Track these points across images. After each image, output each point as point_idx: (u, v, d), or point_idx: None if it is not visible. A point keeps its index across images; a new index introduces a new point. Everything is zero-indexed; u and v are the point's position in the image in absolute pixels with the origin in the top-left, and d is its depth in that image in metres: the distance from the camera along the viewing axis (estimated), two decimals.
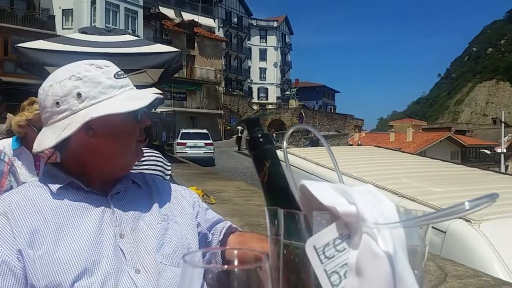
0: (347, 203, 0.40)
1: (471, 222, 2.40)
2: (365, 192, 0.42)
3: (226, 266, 0.35)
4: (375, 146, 7.97)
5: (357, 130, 50.14)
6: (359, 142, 34.40)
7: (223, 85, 43.99)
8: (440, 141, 39.78)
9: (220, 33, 47.28)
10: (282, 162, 0.52)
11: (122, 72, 1.00)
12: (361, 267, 0.37)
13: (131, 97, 0.96)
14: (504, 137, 35.53)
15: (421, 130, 49.80)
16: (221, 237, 1.11)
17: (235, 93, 48.08)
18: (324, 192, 0.42)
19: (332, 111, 64.50)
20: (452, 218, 0.36)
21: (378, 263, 0.36)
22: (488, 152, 40.70)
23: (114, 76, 0.97)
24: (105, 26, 21.00)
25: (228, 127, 38.42)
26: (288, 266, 0.42)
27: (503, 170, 31.09)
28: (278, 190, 0.48)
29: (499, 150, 34.46)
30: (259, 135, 0.51)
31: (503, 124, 37.25)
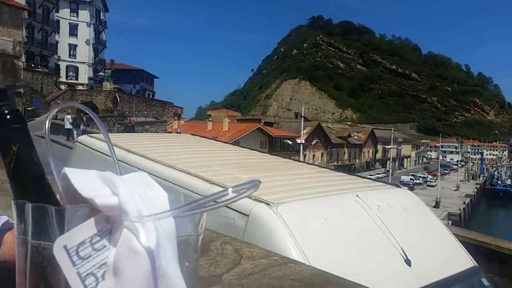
0: (110, 194, 0.35)
1: (270, 205, 2.63)
2: (135, 180, 0.38)
3: None
4: (192, 134, 8.11)
5: (176, 118, 50.53)
6: (178, 130, 34.68)
7: (23, 60, 38.48)
8: (252, 131, 43.44)
9: (21, 1, 41.21)
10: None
11: None
12: (119, 266, 0.33)
13: None
14: (304, 130, 40.58)
15: (236, 121, 53.23)
16: None
17: (38, 69, 42.48)
18: (86, 182, 0.36)
19: (151, 97, 63.15)
20: (219, 206, 0.35)
21: (137, 260, 0.33)
22: (290, 142, 46.12)
23: None
24: None
25: (29, 108, 33.67)
26: (36, 271, 0.35)
27: (301, 158, 35.65)
28: (28, 180, 0.40)
29: (299, 141, 39.20)
30: (6, 111, 0.41)
31: (302, 118, 42.43)
